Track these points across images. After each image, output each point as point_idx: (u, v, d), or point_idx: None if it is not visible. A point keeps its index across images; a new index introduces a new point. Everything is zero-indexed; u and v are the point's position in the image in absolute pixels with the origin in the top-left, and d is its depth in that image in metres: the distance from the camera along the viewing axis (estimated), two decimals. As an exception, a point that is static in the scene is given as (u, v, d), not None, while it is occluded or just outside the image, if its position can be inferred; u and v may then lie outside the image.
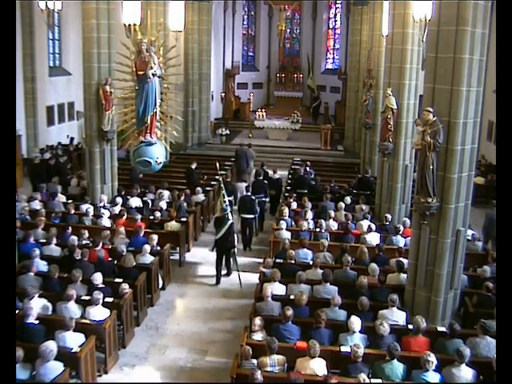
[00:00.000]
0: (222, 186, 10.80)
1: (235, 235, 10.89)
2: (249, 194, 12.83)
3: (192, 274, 11.18)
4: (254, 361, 6.59)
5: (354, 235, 11.02)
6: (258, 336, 7.27)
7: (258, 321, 7.31)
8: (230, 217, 10.60)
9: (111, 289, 8.39)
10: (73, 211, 11.82)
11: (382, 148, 12.46)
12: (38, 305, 7.62)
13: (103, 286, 8.32)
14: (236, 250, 10.98)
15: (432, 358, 6.19)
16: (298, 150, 21.21)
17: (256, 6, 30.42)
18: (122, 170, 14.73)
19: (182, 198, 13.08)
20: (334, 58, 29.88)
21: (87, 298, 8.06)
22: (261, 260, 11.19)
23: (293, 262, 9.37)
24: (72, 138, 21.35)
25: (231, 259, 10.90)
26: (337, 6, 29.22)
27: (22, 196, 12.61)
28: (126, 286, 8.44)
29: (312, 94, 27.99)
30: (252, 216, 12.51)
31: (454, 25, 7.43)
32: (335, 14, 29.48)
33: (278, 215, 12.70)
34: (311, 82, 28.09)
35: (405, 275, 8.85)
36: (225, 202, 10.58)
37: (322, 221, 11.18)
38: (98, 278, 8.36)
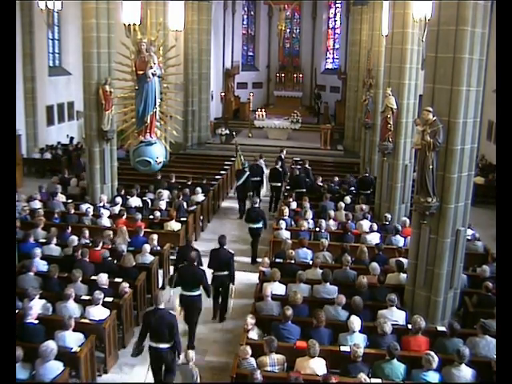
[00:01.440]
0: (239, 148, 15.12)
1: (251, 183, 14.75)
2: (277, 166, 15.36)
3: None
4: (253, 360, 6.58)
5: (354, 235, 11.02)
6: (254, 334, 7.29)
7: (249, 319, 7.33)
8: (247, 170, 14.48)
9: (112, 289, 8.39)
10: (73, 211, 11.83)
11: (381, 148, 12.46)
12: (38, 305, 7.62)
13: (106, 287, 8.30)
14: (251, 193, 14.88)
15: (434, 357, 6.18)
16: (298, 150, 21.19)
17: (256, 6, 30.41)
18: (122, 169, 14.72)
19: (182, 197, 13.08)
20: (333, 58, 29.88)
21: (87, 297, 8.07)
22: (261, 260, 11.19)
23: (292, 261, 9.37)
24: (72, 138, 21.36)
25: (251, 197, 14.08)
26: (337, 5, 29.22)
27: (22, 196, 12.60)
28: (126, 285, 8.44)
29: (314, 93, 28.10)
30: (279, 184, 15.26)
31: (454, 25, 7.43)
32: (335, 14, 29.49)
33: (277, 215, 12.71)
34: (316, 91, 28.36)
35: (404, 275, 8.85)
36: (241, 159, 14.64)
37: (322, 220, 11.18)
38: (103, 279, 8.34)
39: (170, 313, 7.04)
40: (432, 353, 6.27)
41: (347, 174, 16.15)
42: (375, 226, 10.98)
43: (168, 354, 6.91)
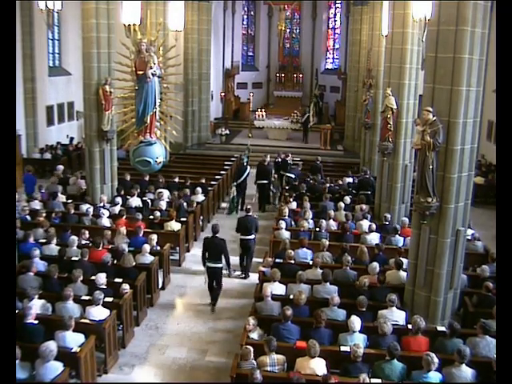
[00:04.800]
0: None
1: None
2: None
3: (191, 275, 11.18)
4: (254, 361, 6.58)
5: (354, 235, 11.02)
6: (255, 334, 7.30)
7: (251, 320, 7.35)
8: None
9: (112, 289, 8.38)
10: (73, 211, 11.83)
11: (381, 148, 12.46)
12: (37, 305, 7.62)
13: (105, 287, 8.30)
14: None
15: (433, 358, 6.16)
16: (298, 150, 21.20)
17: (256, 6, 30.43)
18: (122, 169, 14.70)
19: (182, 198, 13.09)
20: (333, 58, 29.91)
21: (87, 297, 8.06)
22: (261, 260, 11.18)
23: (292, 261, 9.36)
24: (72, 138, 21.36)
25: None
26: (337, 5, 29.25)
27: (23, 196, 12.60)
28: (126, 286, 8.44)
29: (315, 94, 28.15)
30: (293, 176, 15.85)
31: (454, 25, 7.43)
32: (335, 14, 29.51)
33: (277, 215, 12.70)
34: (317, 92, 28.37)
35: (404, 273, 8.86)
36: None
37: (322, 220, 11.18)
38: (101, 278, 8.36)
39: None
40: (432, 354, 6.26)
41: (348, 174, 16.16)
42: (374, 226, 10.98)
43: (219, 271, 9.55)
